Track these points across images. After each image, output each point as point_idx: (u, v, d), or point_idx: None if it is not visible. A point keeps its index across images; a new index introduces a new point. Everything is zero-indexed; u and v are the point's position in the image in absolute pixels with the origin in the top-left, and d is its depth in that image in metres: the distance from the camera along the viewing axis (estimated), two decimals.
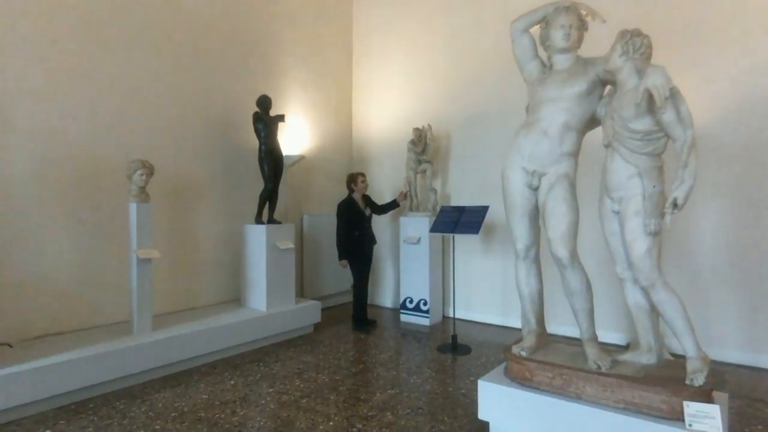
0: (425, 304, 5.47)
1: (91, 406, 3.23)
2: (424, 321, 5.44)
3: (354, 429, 2.90)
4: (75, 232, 3.97)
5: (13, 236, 3.64)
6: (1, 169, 3.59)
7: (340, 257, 5.29)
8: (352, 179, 5.37)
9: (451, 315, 5.04)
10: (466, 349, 4.44)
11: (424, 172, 5.67)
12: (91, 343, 3.57)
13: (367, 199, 5.48)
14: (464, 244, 5.46)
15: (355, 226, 5.26)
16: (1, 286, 3.56)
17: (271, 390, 3.51)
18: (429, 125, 5.64)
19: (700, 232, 4.19)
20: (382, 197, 6.44)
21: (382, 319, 5.72)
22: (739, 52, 4.04)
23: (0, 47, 3.60)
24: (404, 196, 5.60)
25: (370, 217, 5.44)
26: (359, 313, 5.32)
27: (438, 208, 5.39)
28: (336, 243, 5.29)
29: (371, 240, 5.45)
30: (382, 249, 6.44)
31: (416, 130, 5.65)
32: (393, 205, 5.58)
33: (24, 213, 3.69)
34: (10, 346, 3.46)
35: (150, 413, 3.12)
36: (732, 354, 4.02)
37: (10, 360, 3.15)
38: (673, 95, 2.31)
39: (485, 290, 5.48)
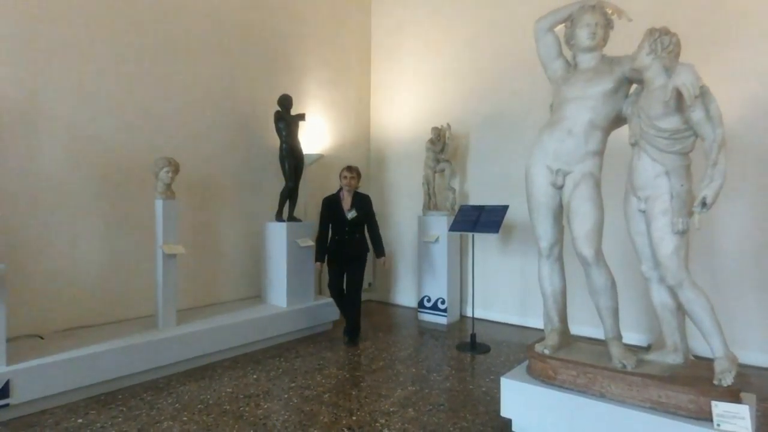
0: (443, 302, 5.48)
1: (120, 397, 3.31)
2: (442, 320, 5.46)
3: (377, 424, 2.93)
4: (103, 229, 4.07)
5: (44, 232, 3.75)
6: (32, 167, 3.70)
7: (315, 258, 4.72)
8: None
9: (469, 314, 5.04)
10: (485, 348, 4.44)
11: (442, 171, 5.68)
12: (118, 336, 3.66)
13: (361, 200, 4.65)
14: (483, 243, 5.46)
15: (334, 229, 4.62)
16: (32, 281, 3.67)
17: (293, 385, 3.56)
18: (448, 124, 5.65)
19: (724, 233, 4.14)
20: (400, 196, 6.49)
21: (400, 318, 5.74)
22: (766, 51, 3.98)
23: (29, 48, 3.70)
24: (384, 264, 4.88)
25: (354, 222, 4.58)
26: (353, 329, 4.65)
27: (456, 208, 5.40)
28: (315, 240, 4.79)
29: (354, 249, 4.59)
30: (400, 247, 6.47)
31: (435, 129, 5.67)
32: (377, 247, 4.76)
33: (54, 210, 3.80)
34: (41, 338, 3.56)
35: (177, 405, 3.19)
36: (756, 356, 3.96)
37: (42, 351, 3.25)
38: (703, 93, 2.30)
39: (504, 290, 5.47)
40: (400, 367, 3.98)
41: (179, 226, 4.14)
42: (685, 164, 2.45)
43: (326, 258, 4.68)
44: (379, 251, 4.74)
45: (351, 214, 4.54)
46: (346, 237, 4.57)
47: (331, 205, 4.62)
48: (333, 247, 4.62)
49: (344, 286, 4.66)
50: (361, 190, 6.80)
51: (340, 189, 4.68)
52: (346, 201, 4.61)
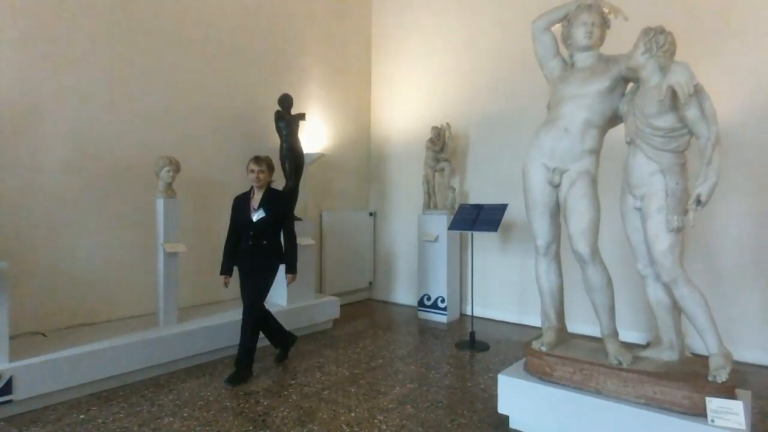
0: (443, 301, 5.50)
1: (121, 393, 3.34)
2: (442, 318, 5.48)
3: (375, 420, 2.96)
4: (105, 227, 4.11)
5: (46, 231, 3.78)
6: (35, 166, 3.74)
7: (220, 269, 3.78)
8: None
9: (469, 312, 5.06)
10: (484, 346, 4.47)
11: (442, 170, 5.70)
12: (119, 333, 3.69)
13: (274, 199, 3.74)
14: (482, 242, 5.48)
15: (241, 234, 3.74)
16: (35, 278, 3.71)
17: (293, 382, 3.59)
18: (448, 124, 5.67)
19: (723, 231, 4.15)
20: (400, 195, 6.51)
21: (400, 316, 5.77)
22: (763, 49, 3.99)
23: (33, 48, 3.74)
24: (290, 281, 3.91)
25: (263, 225, 3.66)
26: (239, 357, 3.63)
27: (456, 207, 5.41)
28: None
29: (261, 259, 3.67)
30: (400, 246, 6.49)
31: (435, 128, 5.69)
32: (287, 260, 3.83)
33: (56, 208, 3.84)
34: (44, 335, 3.60)
35: (177, 401, 3.22)
36: (755, 354, 3.98)
37: (44, 349, 3.28)
38: (697, 92, 2.32)
39: (503, 288, 5.49)
40: (399, 364, 4.01)
41: (180, 224, 4.17)
42: (681, 162, 2.47)
43: (234, 269, 3.80)
44: (289, 266, 3.80)
45: (257, 215, 3.66)
46: (251, 243, 3.67)
47: (238, 205, 3.81)
48: (240, 256, 3.74)
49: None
50: (358, 189, 6.91)
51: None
52: (256, 199, 3.75)
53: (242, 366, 3.62)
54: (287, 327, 4.64)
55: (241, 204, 3.78)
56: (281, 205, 3.80)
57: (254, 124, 5.33)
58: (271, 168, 3.76)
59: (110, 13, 4.17)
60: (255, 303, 3.67)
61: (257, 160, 3.69)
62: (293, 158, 4.92)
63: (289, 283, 3.92)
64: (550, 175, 2.80)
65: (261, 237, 3.68)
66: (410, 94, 6.49)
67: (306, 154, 5.24)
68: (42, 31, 3.78)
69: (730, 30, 4.13)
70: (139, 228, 4.27)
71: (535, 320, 5.04)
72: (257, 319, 3.71)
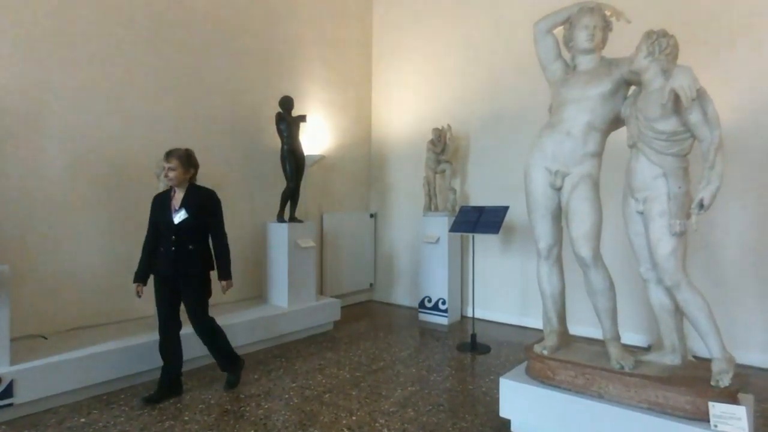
0: (443, 303, 5.49)
1: (122, 396, 3.34)
2: (443, 320, 5.47)
3: (377, 424, 2.95)
4: (105, 230, 4.11)
5: (47, 233, 3.78)
6: (37, 168, 3.74)
7: (134, 277, 3.36)
8: None
9: (469, 314, 5.05)
10: (485, 348, 4.46)
11: (443, 172, 5.69)
12: (120, 336, 3.69)
13: (198, 198, 3.33)
14: (483, 244, 5.47)
15: (161, 238, 3.31)
16: (35, 281, 3.70)
17: (294, 385, 3.59)
18: (448, 125, 5.66)
19: (725, 234, 4.14)
20: (401, 196, 6.50)
21: (401, 318, 5.76)
22: (765, 52, 3.98)
23: (34, 49, 3.74)
24: (225, 288, 3.50)
25: (185, 227, 3.25)
26: (223, 362, 3.49)
27: (457, 208, 5.40)
28: None
29: (184, 266, 3.26)
30: (401, 248, 6.48)
31: (436, 130, 5.68)
32: (220, 266, 3.45)
33: (57, 211, 3.83)
34: (45, 338, 3.59)
35: (178, 405, 3.21)
36: (757, 357, 3.97)
37: (46, 351, 3.28)
38: (700, 96, 2.31)
39: (504, 290, 5.48)
40: (400, 367, 4.00)
41: None
42: (683, 166, 2.47)
43: (150, 277, 3.38)
44: (223, 271, 3.41)
45: (179, 216, 3.24)
46: (173, 248, 3.24)
47: (157, 205, 3.37)
48: (158, 262, 3.32)
49: (174, 318, 3.35)
50: (358, 191, 6.89)
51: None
52: (177, 198, 3.32)
53: (232, 368, 3.53)
54: (288, 329, 4.66)
55: (161, 204, 3.34)
56: (206, 204, 3.36)
57: (255, 125, 5.33)
58: (186, 163, 3.28)
59: (110, 16, 4.16)
60: (200, 320, 3.38)
61: (167, 155, 3.24)
62: (294, 160, 4.91)
63: (225, 291, 3.43)
64: (552, 178, 2.80)
65: (186, 241, 3.26)
66: (411, 95, 6.48)
67: (307, 155, 5.24)
68: (42, 33, 3.77)
69: (732, 33, 4.11)
70: (139, 230, 4.22)
71: (536, 322, 5.04)
72: (210, 329, 3.44)
